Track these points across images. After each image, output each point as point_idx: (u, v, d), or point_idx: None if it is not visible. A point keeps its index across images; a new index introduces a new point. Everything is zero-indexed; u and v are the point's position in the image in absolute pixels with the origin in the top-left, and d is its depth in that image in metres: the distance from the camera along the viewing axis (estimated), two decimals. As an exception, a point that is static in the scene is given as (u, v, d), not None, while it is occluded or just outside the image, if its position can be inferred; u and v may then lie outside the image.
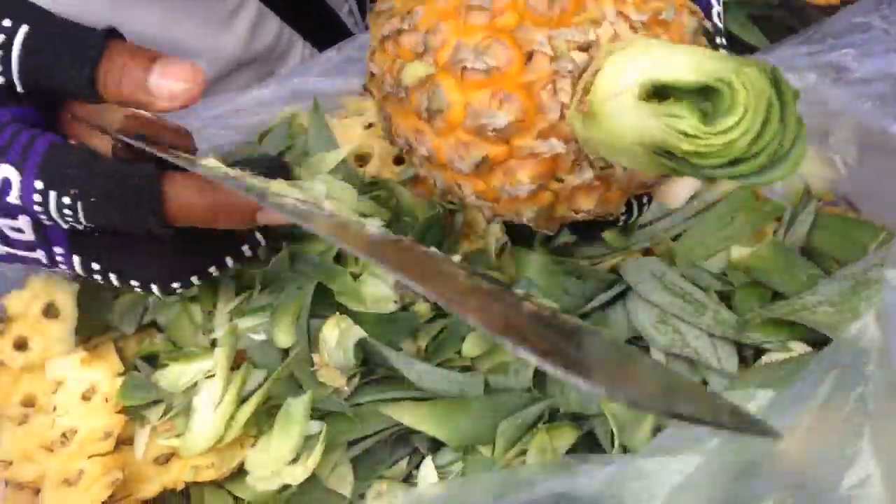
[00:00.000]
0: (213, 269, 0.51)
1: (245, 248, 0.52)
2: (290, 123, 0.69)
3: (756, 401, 0.43)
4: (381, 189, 0.61)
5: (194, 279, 0.51)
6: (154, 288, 0.50)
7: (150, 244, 0.49)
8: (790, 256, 0.59)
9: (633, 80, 0.36)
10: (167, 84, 0.44)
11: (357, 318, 0.54)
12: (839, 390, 0.41)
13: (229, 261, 0.52)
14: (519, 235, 0.63)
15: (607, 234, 0.61)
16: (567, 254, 0.62)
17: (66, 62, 0.43)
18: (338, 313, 0.53)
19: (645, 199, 0.51)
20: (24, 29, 0.43)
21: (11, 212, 0.45)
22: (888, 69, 0.52)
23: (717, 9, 0.50)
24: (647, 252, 0.62)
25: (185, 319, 0.58)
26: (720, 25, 0.51)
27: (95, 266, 0.49)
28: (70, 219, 0.45)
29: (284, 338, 0.54)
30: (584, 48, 0.39)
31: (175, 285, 0.50)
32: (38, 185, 0.44)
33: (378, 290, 0.56)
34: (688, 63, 0.35)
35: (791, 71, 0.56)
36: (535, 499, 0.43)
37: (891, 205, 0.49)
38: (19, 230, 0.47)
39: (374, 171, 0.63)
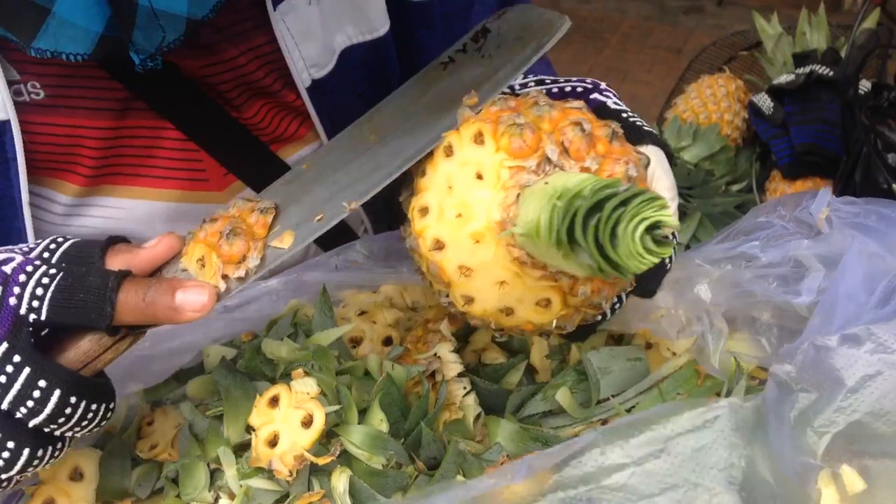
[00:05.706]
0: None
1: None
2: (295, 313, 0.79)
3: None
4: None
5: None
6: None
7: None
8: (727, 425, 0.67)
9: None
10: (192, 299, 0.52)
11: (353, 467, 0.61)
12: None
13: None
14: (491, 409, 0.72)
15: (569, 407, 0.70)
16: (534, 423, 0.71)
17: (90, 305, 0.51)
18: (339, 465, 0.61)
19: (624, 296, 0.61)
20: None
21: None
22: (787, 254, 0.64)
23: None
24: (604, 422, 0.70)
25: (193, 476, 0.65)
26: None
27: None
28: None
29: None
30: None
31: None
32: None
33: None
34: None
35: (714, 263, 0.67)
36: None
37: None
38: None
39: (366, 351, 0.73)
